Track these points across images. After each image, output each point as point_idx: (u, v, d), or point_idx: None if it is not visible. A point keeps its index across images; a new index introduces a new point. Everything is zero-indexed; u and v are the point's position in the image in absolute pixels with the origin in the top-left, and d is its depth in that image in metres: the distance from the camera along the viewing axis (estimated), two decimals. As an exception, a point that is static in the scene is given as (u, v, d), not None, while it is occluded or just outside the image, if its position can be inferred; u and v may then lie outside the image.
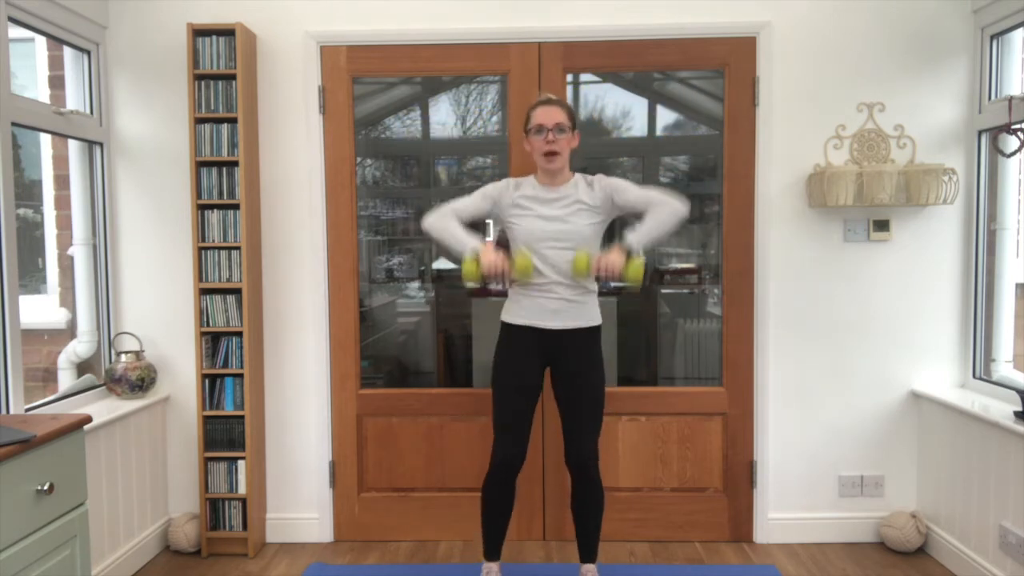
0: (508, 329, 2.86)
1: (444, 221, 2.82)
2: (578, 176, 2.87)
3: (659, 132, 4.11)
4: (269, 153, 3.44)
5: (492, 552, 2.95)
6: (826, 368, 3.42)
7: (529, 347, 2.81)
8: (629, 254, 2.70)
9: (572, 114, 2.83)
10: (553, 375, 2.87)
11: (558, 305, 2.78)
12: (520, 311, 2.83)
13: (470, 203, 2.87)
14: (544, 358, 2.83)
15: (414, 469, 3.53)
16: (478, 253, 2.70)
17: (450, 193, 4.48)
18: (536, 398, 2.87)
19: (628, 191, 2.82)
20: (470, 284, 2.75)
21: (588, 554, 2.94)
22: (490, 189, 2.89)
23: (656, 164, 4.33)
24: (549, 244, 2.76)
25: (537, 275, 2.77)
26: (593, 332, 2.85)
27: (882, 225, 3.36)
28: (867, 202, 3.23)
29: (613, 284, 4.12)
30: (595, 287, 2.87)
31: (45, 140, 3.98)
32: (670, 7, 3.35)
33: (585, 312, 2.82)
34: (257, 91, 3.41)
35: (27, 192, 4.09)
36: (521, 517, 3.46)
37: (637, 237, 2.74)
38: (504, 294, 2.92)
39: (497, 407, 2.85)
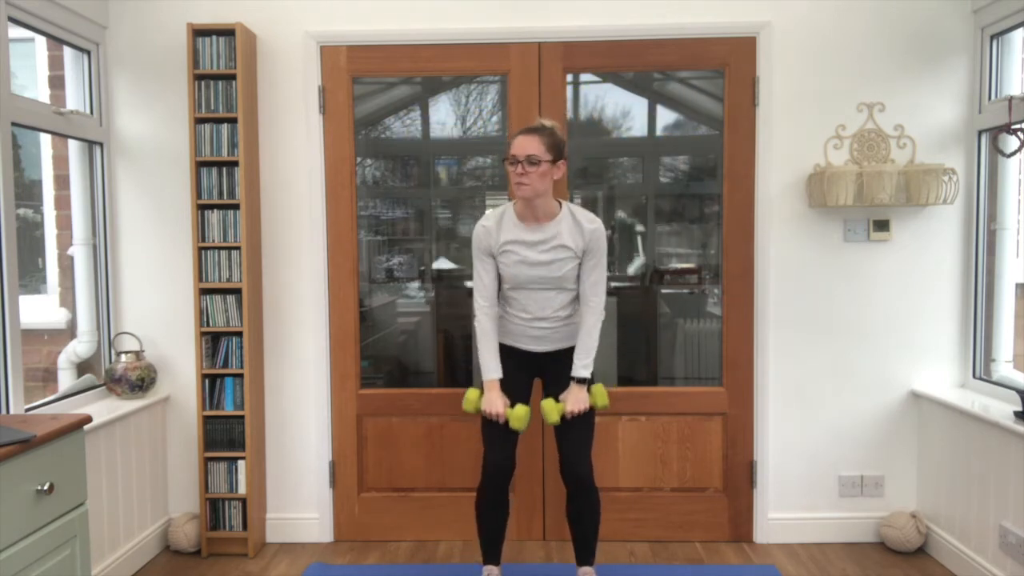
0: None
1: (482, 336, 2.84)
2: (565, 212, 2.77)
3: (659, 132, 4.10)
4: (269, 153, 3.44)
5: (492, 557, 2.94)
6: (826, 368, 3.42)
7: (516, 362, 2.86)
8: (589, 385, 2.80)
9: (556, 143, 2.70)
10: (544, 388, 2.91)
11: (542, 333, 2.83)
12: (505, 334, 2.87)
13: (487, 276, 2.83)
14: (532, 370, 2.88)
15: (414, 469, 3.53)
16: (481, 391, 2.82)
17: (450, 193, 4.47)
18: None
19: (594, 269, 2.78)
20: (465, 410, 2.86)
21: (586, 557, 2.93)
22: (482, 246, 2.82)
23: (656, 164, 4.33)
24: (530, 285, 2.79)
25: (522, 306, 2.82)
26: None
27: (882, 225, 3.36)
28: (867, 202, 3.22)
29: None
30: (577, 312, 2.87)
31: (45, 140, 3.98)
32: (670, 7, 3.35)
33: (570, 333, 2.85)
34: (257, 91, 3.41)
35: (27, 192, 4.09)
36: (521, 517, 3.47)
37: (586, 367, 2.79)
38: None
39: (485, 418, 2.85)
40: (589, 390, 2.80)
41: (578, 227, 2.76)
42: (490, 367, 2.82)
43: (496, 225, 2.80)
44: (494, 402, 2.77)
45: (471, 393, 2.85)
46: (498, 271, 2.84)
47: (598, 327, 2.83)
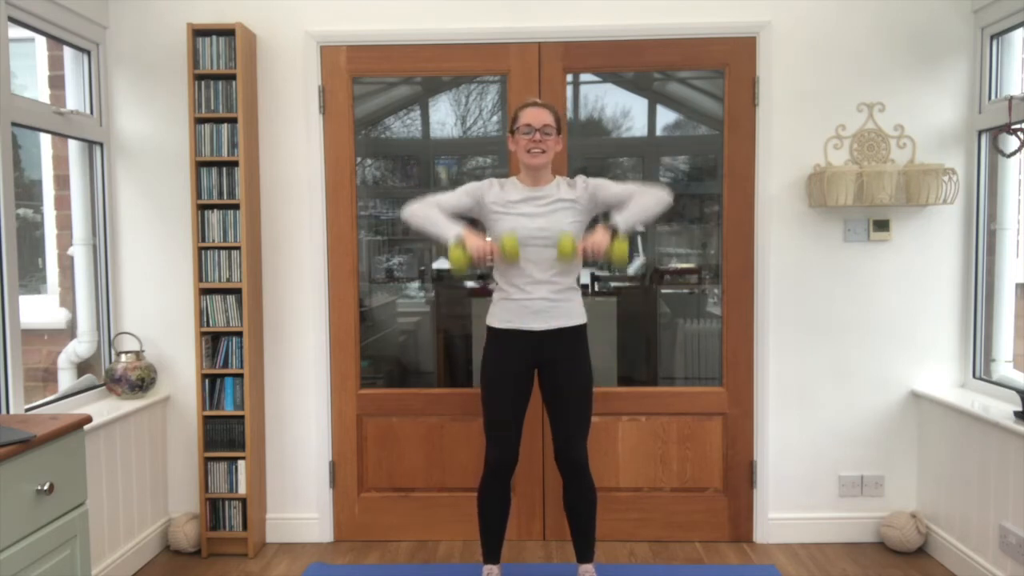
0: (494, 334, 2.86)
1: (425, 210, 2.84)
2: (559, 178, 2.90)
3: (659, 132, 4.11)
4: (269, 153, 3.44)
5: (492, 555, 2.95)
6: (826, 368, 3.42)
7: (516, 350, 2.82)
8: (614, 233, 2.75)
9: (559, 119, 2.86)
10: (540, 376, 2.88)
11: (541, 305, 2.79)
12: (504, 314, 2.84)
13: (452, 198, 2.88)
14: (531, 360, 2.84)
15: (414, 469, 3.53)
16: (463, 238, 2.72)
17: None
18: (526, 401, 2.88)
19: (610, 187, 2.86)
20: (457, 271, 2.76)
21: (585, 554, 2.94)
22: (473, 187, 2.90)
23: (656, 164, 4.33)
24: (530, 242, 2.77)
25: (520, 270, 2.78)
26: (579, 331, 2.85)
27: (882, 225, 3.36)
28: (867, 202, 3.22)
29: (602, 272, 4.13)
30: (577, 285, 2.89)
31: (45, 140, 3.98)
32: (670, 7, 3.35)
33: (569, 311, 2.83)
34: (257, 91, 3.41)
35: (27, 192, 4.09)
36: (521, 517, 3.47)
37: (623, 218, 2.78)
38: (489, 292, 2.91)
39: (487, 412, 2.86)
40: (613, 243, 2.74)
41: (571, 186, 2.88)
42: (449, 225, 2.77)
43: (500, 184, 2.89)
44: (480, 245, 2.72)
45: (454, 251, 2.70)
46: (469, 217, 2.88)
47: (654, 206, 2.81)
